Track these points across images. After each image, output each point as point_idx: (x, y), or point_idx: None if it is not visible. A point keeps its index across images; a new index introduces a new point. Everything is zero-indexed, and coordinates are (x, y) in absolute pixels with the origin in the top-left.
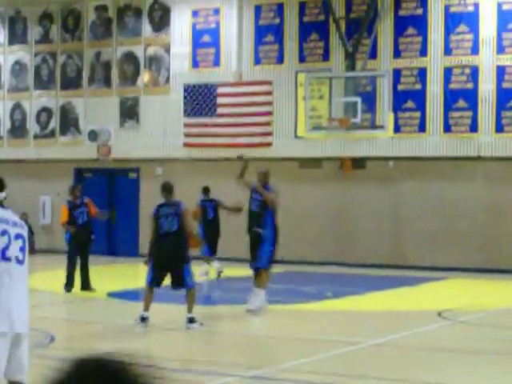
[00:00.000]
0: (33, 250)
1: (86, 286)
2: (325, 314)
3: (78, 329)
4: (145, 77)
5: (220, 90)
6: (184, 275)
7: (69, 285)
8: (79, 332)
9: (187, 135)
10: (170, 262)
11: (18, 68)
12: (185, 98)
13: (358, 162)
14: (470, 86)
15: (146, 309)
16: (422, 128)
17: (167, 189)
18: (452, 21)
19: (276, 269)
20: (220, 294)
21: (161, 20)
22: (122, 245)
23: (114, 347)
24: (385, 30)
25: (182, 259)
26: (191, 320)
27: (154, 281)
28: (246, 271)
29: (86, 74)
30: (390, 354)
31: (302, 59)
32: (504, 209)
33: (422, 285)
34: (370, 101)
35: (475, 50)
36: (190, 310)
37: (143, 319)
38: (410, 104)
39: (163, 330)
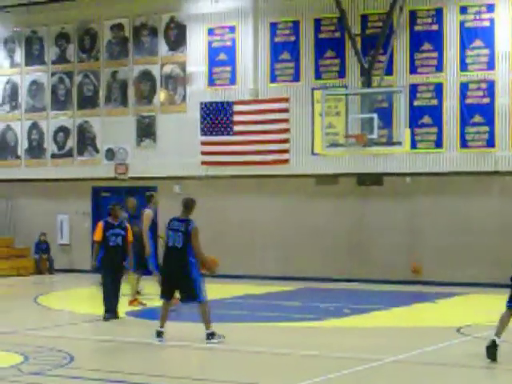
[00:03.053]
0: (51, 269)
1: None
2: (342, 331)
3: (97, 348)
4: (161, 96)
5: (236, 108)
6: (194, 290)
7: (107, 312)
8: (98, 351)
9: (204, 153)
10: (174, 277)
11: (35, 88)
12: (201, 116)
13: (375, 178)
14: (486, 100)
15: (162, 324)
16: (438, 143)
17: (184, 205)
18: (468, 36)
19: (292, 286)
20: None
21: (177, 38)
22: None
23: (133, 366)
24: (401, 45)
25: (188, 275)
26: (210, 336)
27: (163, 294)
28: (264, 289)
29: (102, 93)
30: (409, 371)
31: (318, 76)
32: None
33: (439, 300)
34: (386, 117)
35: (491, 64)
36: (207, 326)
37: (159, 334)
38: (426, 120)
39: (180, 347)
